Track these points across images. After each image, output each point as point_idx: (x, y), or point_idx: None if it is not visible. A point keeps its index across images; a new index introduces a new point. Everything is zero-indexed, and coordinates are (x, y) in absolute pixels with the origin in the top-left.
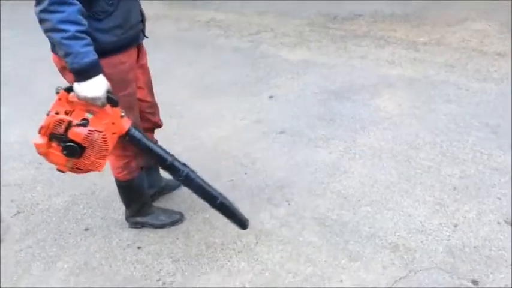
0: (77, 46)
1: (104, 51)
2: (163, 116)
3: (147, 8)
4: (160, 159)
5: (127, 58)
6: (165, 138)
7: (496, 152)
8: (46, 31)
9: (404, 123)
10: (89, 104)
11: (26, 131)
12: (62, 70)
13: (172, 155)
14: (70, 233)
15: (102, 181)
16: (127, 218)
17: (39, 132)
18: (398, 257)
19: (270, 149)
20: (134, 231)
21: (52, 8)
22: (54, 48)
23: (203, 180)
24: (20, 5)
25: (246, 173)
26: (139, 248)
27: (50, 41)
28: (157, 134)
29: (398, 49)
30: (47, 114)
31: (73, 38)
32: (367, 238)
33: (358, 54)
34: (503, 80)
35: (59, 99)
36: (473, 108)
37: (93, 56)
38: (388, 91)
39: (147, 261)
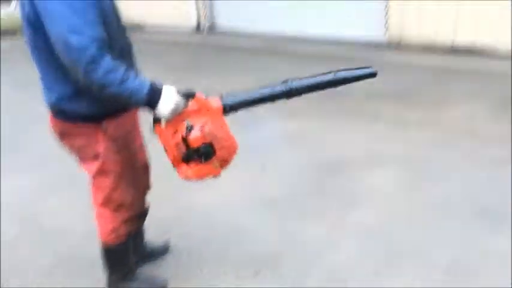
0: (131, 84)
1: (111, 113)
2: (154, 179)
3: (145, 73)
4: (265, 99)
5: (129, 119)
6: (155, 202)
7: (485, 235)
8: (98, 92)
9: (394, 200)
10: (178, 114)
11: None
12: (62, 135)
13: (268, 87)
14: None
15: (84, 245)
16: (109, 285)
17: (175, 166)
18: None
19: (260, 218)
20: None
21: (91, 67)
22: (56, 114)
23: (307, 78)
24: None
25: (234, 243)
26: None
27: (104, 98)
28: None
29: (389, 126)
30: (165, 151)
31: (123, 81)
32: None
33: (351, 129)
34: (493, 162)
35: (159, 134)
36: (463, 190)
37: (147, 80)
38: (379, 168)
39: None
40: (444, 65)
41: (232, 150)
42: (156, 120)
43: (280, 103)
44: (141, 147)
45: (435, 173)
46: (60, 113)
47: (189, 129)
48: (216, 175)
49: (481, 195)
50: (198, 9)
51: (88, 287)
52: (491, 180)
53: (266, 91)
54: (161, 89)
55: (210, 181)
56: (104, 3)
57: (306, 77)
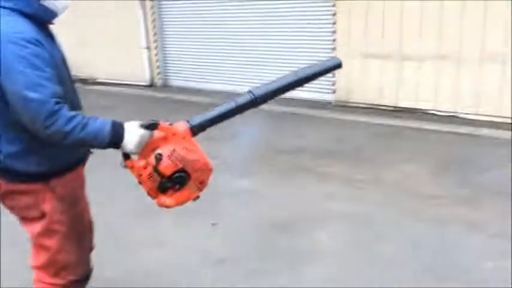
0: (93, 127)
1: (58, 171)
2: (101, 237)
3: None
4: (232, 113)
5: (77, 176)
6: (100, 261)
7: None
8: (61, 141)
9: (342, 258)
10: (145, 146)
11: None
12: (4, 195)
13: (232, 100)
14: None
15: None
16: None
17: (154, 197)
18: None
19: (208, 278)
20: None
21: (50, 121)
22: (1, 174)
23: (272, 82)
24: None
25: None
26: None
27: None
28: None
29: (337, 185)
30: (140, 184)
31: (85, 125)
32: None
33: (301, 186)
34: (435, 221)
35: (131, 168)
36: (407, 248)
37: (106, 120)
38: (328, 226)
39: None
40: (387, 126)
41: (206, 170)
42: (126, 155)
43: (237, 160)
44: (87, 206)
45: (380, 231)
46: (6, 172)
47: (159, 158)
48: (195, 198)
49: (425, 254)
50: (151, 66)
51: None
52: (433, 238)
53: (232, 104)
54: (123, 125)
55: (156, 238)
56: (57, 60)
57: (269, 83)
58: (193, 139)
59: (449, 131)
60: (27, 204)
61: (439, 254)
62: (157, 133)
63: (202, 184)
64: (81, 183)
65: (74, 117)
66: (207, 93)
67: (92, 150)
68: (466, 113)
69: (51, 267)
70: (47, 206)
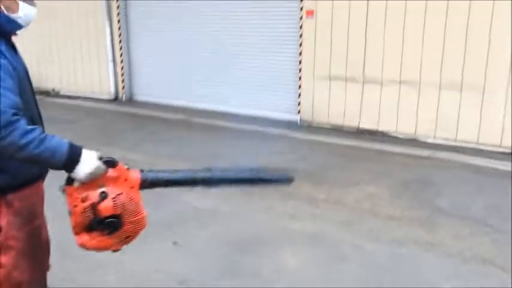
0: (50, 143)
1: (17, 185)
2: (56, 255)
3: None
4: (186, 182)
5: (37, 191)
6: (57, 284)
7: None
8: (13, 155)
9: (304, 278)
10: (94, 179)
11: None
12: None
13: (190, 170)
14: None
15: None
16: None
17: (76, 233)
18: None
19: None
20: None
21: (5, 132)
22: None
23: (231, 170)
24: None
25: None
26: None
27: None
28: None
29: (300, 204)
30: (69, 214)
31: (42, 141)
32: None
33: (263, 206)
34: (393, 241)
35: (69, 194)
36: (367, 268)
37: (65, 140)
38: (290, 245)
39: None
40: (350, 146)
41: (139, 227)
42: (70, 181)
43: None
44: (44, 223)
45: (341, 251)
46: None
47: (103, 197)
48: (115, 250)
49: (384, 275)
50: (116, 79)
51: None
52: (392, 259)
53: (187, 175)
54: (81, 150)
55: (116, 257)
56: (19, 72)
57: (229, 170)
58: (139, 192)
59: (410, 154)
60: None
61: (397, 275)
62: (111, 172)
63: (129, 238)
64: (40, 199)
65: (31, 130)
66: (173, 109)
67: None
68: (425, 136)
69: (5, 285)
70: (3, 221)
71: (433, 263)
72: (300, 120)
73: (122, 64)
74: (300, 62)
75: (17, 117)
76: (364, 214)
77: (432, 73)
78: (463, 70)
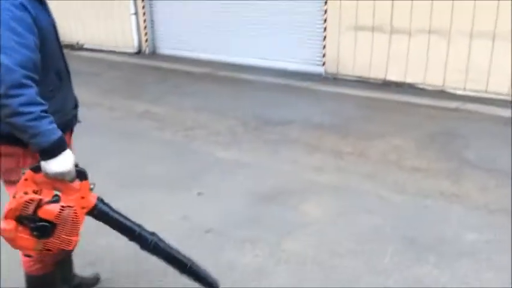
0: (44, 125)
1: None
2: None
3: (82, 94)
4: (129, 232)
5: None
6: (87, 231)
7: (412, 264)
8: (7, 117)
9: (328, 230)
10: (57, 181)
11: None
12: None
13: (139, 225)
14: None
15: (8, 275)
16: None
17: (6, 216)
18: None
19: (195, 248)
20: None
21: (12, 92)
22: None
23: (171, 248)
24: None
25: (169, 272)
26: None
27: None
28: None
29: (325, 157)
30: (14, 196)
31: (39, 118)
32: None
33: (288, 158)
34: (418, 193)
35: (25, 179)
36: (392, 220)
37: (59, 132)
38: (315, 197)
39: None
40: (376, 99)
41: (65, 246)
42: (35, 168)
43: (223, 130)
44: None
45: (366, 203)
46: None
47: (53, 200)
48: (28, 254)
49: (409, 226)
50: (139, 32)
51: None
52: (417, 211)
53: (133, 227)
54: (65, 149)
55: (144, 209)
56: (42, 23)
57: (172, 247)
58: (85, 216)
59: (437, 106)
60: (9, 167)
61: (422, 226)
62: (75, 183)
63: (48, 251)
64: None
65: (36, 104)
66: (198, 63)
67: (79, 119)
68: (454, 88)
69: None
70: None
71: (458, 215)
72: (325, 72)
73: (145, 17)
74: (325, 12)
75: (29, 82)
76: (389, 166)
77: (463, 21)
78: (496, 18)
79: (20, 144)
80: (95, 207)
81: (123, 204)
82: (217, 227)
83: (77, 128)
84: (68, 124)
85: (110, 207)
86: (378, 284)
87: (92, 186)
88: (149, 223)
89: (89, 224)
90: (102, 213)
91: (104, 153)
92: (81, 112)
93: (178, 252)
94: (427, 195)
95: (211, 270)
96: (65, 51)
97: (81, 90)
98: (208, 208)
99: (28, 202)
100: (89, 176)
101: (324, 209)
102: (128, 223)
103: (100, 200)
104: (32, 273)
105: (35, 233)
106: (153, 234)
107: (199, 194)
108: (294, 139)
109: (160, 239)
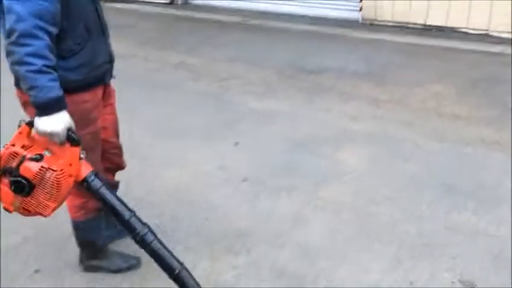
0: (43, 80)
1: (67, 89)
2: (125, 156)
3: (116, 46)
4: (116, 214)
5: (91, 97)
6: (126, 180)
7: (450, 211)
8: (12, 64)
9: (364, 178)
10: (48, 141)
11: None
12: (24, 104)
13: (132, 211)
14: (18, 275)
15: (56, 220)
16: (81, 261)
17: None
18: None
19: (232, 196)
20: (88, 275)
21: (21, 40)
22: (17, 83)
23: (162, 246)
24: None
25: (207, 219)
26: None
27: (14, 74)
28: (119, 174)
29: (361, 105)
30: (3, 146)
31: (39, 72)
32: None
33: (323, 107)
34: (458, 141)
35: (20, 132)
36: (429, 167)
37: (59, 91)
38: (350, 145)
39: None
40: (416, 44)
41: (40, 211)
42: (31, 124)
43: (257, 80)
44: (112, 127)
45: (403, 151)
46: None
47: (35, 158)
48: (7, 209)
49: (447, 173)
50: None
51: (59, 265)
52: (457, 158)
53: (123, 212)
54: (62, 110)
55: (180, 156)
56: None
57: (163, 246)
58: (73, 186)
59: (480, 50)
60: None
61: (461, 173)
62: (65, 146)
63: (23, 210)
64: (95, 104)
65: (43, 57)
66: (230, 11)
67: (115, 73)
68: (498, 31)
69: None
70: None
71: (499, 162)
72: (362, 18)
73: None
74: None
75: (41, 33)
76: (428, 114)
77: None
78: None
79: None
80: (85, 179)
81: (159, 155)
82: (254, 176)
83: (112, 80)
84: (99, 78)
85: (105, 184)
86: (414, 230)
87: (82, 156)
88: (186, 173)
89: None
90: (92, 187)
91: (140, 105)
92: (116, 64)
93: (170, 255)
94: (467, 143)
95: (248, 218)
96: None
97: (115, 42)
98: (244, 157)
99: (12, 155)
100: (125, 127)
101: (360, 157)
102: (119, 206)
103: (94, 173)
104: (77, 219)
105: (12, 187)
106: (145, 225)
107: (235, 143)
108: (329, 87)
109: (151, 233)
